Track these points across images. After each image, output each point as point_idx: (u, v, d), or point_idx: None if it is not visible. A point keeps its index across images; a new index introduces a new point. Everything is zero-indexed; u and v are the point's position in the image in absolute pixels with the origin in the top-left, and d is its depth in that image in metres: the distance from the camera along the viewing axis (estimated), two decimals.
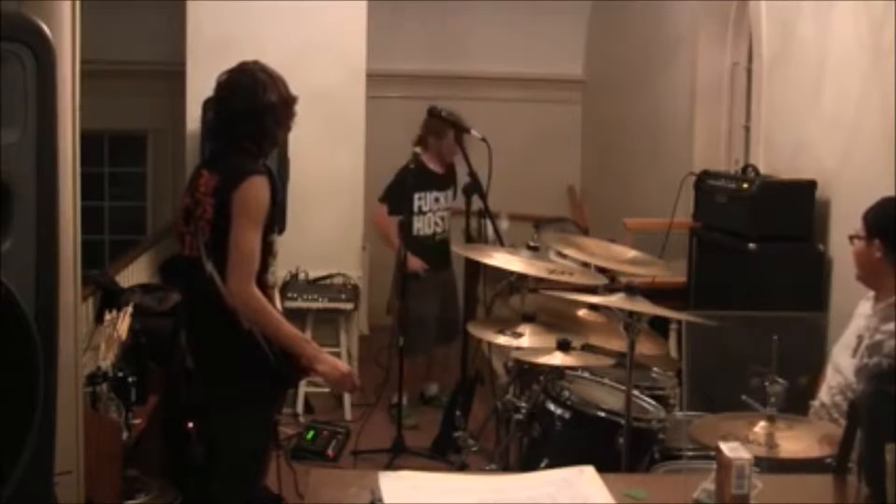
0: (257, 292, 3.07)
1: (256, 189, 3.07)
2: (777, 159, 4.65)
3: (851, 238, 3.16)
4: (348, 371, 3.24)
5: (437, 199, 5.70)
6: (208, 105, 5.25)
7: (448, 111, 5.06)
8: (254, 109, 3.16)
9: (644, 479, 2.79)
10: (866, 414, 2.20)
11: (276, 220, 3.19)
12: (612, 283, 3.75)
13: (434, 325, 5.74)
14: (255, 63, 3.26)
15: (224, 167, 3.17)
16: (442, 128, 5.41)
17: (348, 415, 5.72)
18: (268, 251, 3.15)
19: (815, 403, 3.25)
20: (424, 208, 5.64)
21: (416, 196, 5.55)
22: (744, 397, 2.68)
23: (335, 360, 3.27)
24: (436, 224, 5.70)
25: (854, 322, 3.23)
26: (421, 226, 5.64)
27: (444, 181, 5.76)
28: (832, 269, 4.13)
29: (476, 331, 3.84)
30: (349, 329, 5.93)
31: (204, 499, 3.65)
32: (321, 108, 5.80)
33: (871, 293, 3.16)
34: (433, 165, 5.68)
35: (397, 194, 5.49)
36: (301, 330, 3.77)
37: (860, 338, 3.12)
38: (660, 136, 6.40)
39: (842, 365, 3.18)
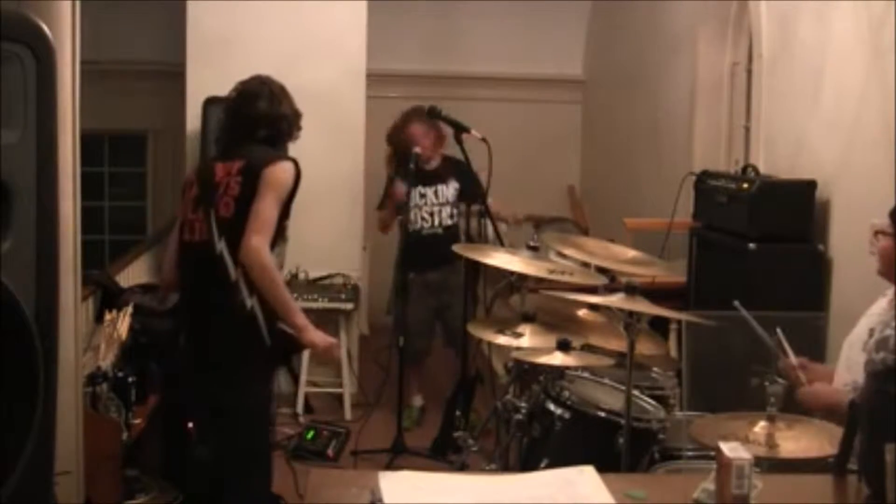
0: (269, 252, 3.32)
1: (284, 171, 3.39)
2: (777, 159, 4.65)
3: (877, 234, 3.09)
4: (334, 342, 3.56)
5: (422, 195, 5.52)
6: (210, 105, 5.29)
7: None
8: (273, 115, 3.50)
9: (644, 479, 2.79)
10: (866, 414, 2.20)
11: (290, 209, 3.45)
12: (612, 283, 3.75)
13: (428, 329, 5.66)
14: (269, 77, 3.58)
15: (247, 154, 3.44)
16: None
17: (348, 415, 5.72)
18: (280, 233, 3.45)
19: None
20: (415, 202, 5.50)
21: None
22: None
23: (320, 333, 3.49)
24: (423, 219, 5.51)
25: (866, 319, 3.20)
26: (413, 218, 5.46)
27: (433, 176, 5.57)
28: (832, 269, 4.13)
29: (476, 331, 3.84)
30: (349, 329, 5.92)
31: (205, 498, 3.66)
32: (321, 107, 5.76)
33: (889, 290, 3.13)
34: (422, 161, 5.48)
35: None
36: None
37: (872, 331, 3.08)
38: (660, 136, 6.40)
39: (856, 361, 3.13)
